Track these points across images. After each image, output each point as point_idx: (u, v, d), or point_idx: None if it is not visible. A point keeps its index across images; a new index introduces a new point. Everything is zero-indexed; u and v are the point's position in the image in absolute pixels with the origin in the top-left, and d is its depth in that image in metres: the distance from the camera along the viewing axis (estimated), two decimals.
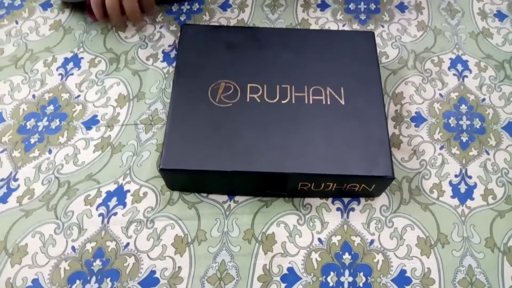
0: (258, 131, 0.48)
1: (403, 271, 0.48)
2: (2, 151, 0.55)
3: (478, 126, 0.58)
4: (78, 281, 0.47)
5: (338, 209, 0.52)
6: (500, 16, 0.68)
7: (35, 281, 0.47)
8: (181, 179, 0.50)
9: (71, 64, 0.62)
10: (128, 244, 0.49)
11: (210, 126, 0.49)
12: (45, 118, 0.57)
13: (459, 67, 0.63)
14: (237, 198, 0.52)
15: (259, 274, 0.48)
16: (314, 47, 0.55)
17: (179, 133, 0.48)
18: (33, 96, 0.59)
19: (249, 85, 0.51)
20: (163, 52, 0.63)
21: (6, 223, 0.50)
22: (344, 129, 0.49)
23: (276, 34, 0.57)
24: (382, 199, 0.53)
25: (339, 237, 0.50)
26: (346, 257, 0.49)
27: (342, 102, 0.51)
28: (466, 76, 0.62)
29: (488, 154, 0.56)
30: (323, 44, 0.55)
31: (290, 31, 0.60)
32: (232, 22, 0.66)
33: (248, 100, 0.50)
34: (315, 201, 0.52)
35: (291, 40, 0.55)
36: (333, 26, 0.67)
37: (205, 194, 0.52)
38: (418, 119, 0.58)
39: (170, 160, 0.47)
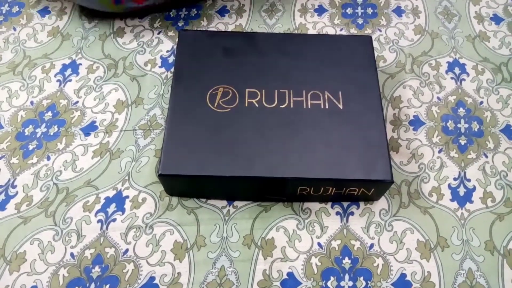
0: (257, 136, 0.48)
1: (403, 275, 0.48)
2: (0, 158, 0.54)
3: (476, 129, 0.58)
4: None
5: (337, 213, 0.52)
6: (497, 19, 0.69)
7: None
8: (180, 185, 0.50)
9: (69, 70, 0.62)
10: (127, 250, 0.49)
11: (209, 131, 0.49)
12: (43, 125, 0.57)
13: (457, 70, 0.63)
14: (236, 203, 0.52)
15: (259, 279, 0.48)
16: (311, 52, 0.55)
17: (178, 138, 0.48)
18: (31, 102, 0.59)
19: (247, 90, 0.51)
20: (161, 57, 0.63)
21: (5, 230, 0.50)
22: (342, 133, 0.49)
23: (274, 39, 0.57)
24: (381, 203, 0.53)
25: (338, 242, 0.50)
26: (346, 261, 0.49)
27: (340, 106, 0.51)
28: (464, 79, 0.62)
29: (486, 157, 0.56)
30: (321, 49, 0.55)
31: (288, 36, 0.60)
32: (230, 28, 0.67)
33: (246, 105, 0.50)
34: (315, 206, 0.52)
35: (289, 45, 0.56)
36: (331, 31, 0.67)
37: (204, 200, 0.52)
38: (416, 123, 0.58)
39: (169, 165, 0.47)
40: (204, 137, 0.48)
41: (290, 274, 0.48)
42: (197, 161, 0.47)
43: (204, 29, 0.66)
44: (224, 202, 0.52)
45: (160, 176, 0.47)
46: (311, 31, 0.67)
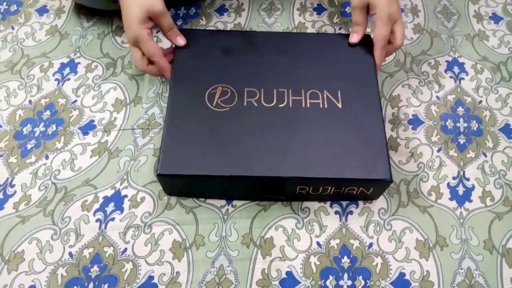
0: (256, 135, 0.48)
1: (402, 274, 0.48)
2: None
3: (475, 128, 0.58)
4: None
5: (336, 212, 0.52)
6: (496, 18, 0.69)
7: (32, 287, 0.47)
8: (179, 184, 0.50)
9: (67, 69, 0.62)
10: (125, 249, 0.49)
11: (208, 131, 0.48)
12: (42, 124, 0.57)
13: (456, 69, 0.63)
14: (235, 202, 0.52)
15: (257, 278, 0.48)
16: (310, 51, 0.55)
17: (177, 137, 0.48)
18: (30, 101, 0.59)
19: (246, 89, 0.51)
20: None
21: (3, 229, 0.50)
22: (341, 132, 0.49)
23: (273, 38, 0.57)
24: (380, 202, 0.53)
25: (337, 241, 0.50)
26: (345, 260, 0.49)
27: (339, 105, 0.51)
28: (463, 79, 0.62)
29: (485, 156, 0.56)
30: (320, 48, 0.55)
31: (287, 35, 0.60)
32: (229, 26, 0.67)
33: (245, 104, 0.50)
34: (314, 205, 0.52)
35: (288, 44, 0.55)
36: (330, 30, 0.67)
37: (203, 199, 0.52)
38: (415, 122, 0.58)
39: (168, 165, 0.47)
40: (203, 137, 0.48)
41: (289, 273, 0.48)
42: (196, 160, 0.47)
43: (203, 28, 0.66)
44: (223, 201, 0.52)
45: (159, 175, 0.47)
46: (310, 30, 0.67)
